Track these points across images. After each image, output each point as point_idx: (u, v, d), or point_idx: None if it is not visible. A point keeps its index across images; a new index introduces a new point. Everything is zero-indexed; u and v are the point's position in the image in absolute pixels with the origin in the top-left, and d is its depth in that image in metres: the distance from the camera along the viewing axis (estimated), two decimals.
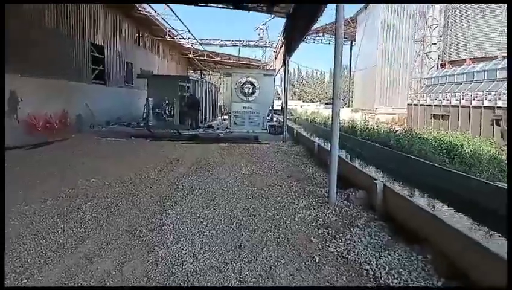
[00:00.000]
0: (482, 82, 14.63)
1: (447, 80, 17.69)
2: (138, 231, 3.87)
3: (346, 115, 24.84)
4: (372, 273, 3.02)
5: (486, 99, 13.38)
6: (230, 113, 15.42)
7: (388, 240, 3.73)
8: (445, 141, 9.26)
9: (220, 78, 28.63)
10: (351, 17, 35.98)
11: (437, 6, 24.88)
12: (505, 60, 14.13)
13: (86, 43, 14.92)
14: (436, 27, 25.02)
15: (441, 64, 21.94)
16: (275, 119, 19.95)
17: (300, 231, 4.00)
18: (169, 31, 23.21)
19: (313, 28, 17.92)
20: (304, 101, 57.92)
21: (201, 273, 2.99)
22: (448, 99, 16.07)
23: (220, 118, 22.80)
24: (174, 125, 15.20)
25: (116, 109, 17.18)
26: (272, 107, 19.65)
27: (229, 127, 15.44)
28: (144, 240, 3.65)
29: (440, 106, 16.68)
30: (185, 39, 25.64)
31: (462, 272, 2.89)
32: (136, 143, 11.36)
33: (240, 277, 2.94)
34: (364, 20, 33.51)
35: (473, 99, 14.17)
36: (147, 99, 15.94)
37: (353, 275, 3.03)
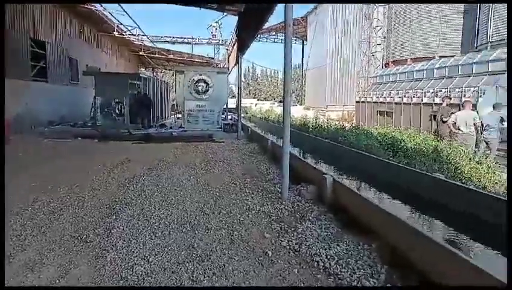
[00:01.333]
0: (421, 80, 15.71)
1: (390, 79, 18.78)
2: (85, 236, 3.69)
3: (298, 112, 25.51)
4: (322, 264, 3.14)
5: (425, 96, 14.39)
6: (183, 111, 15.14)
7: (337, 231, 3.90)
8: (390, 136, 9.83)
9: (172, 76, 28.03)
10: (301, 17, 36.92)
11: (381, 9, 26.30)
12: (441, 60, 15.31)
13: (24, 37, 13.86)
14: (380, 28, 26.44)
15: (385, 64, 23.26)
16: (229, 117, 19.94)
17: (253, 227, 4.05)
18: (117, 26, 22.26)
19: (266, 26, 18.15)
20: (258, 100, 58.38)
21: (153, 275, 2.93)
22: (391, 97, 17.07)
23: (173, 116, 22.31)
24: (124, 124, 14.63)
25: (60, 108, 16.19)
26: (227, 105, 19.63)
27: (182, 125, 15.17)
28: (91, 245, 3.49)
29: (385, 103, 17.66)
30: (134, 36, 24.74)
31: (403, 258, 3.11)
32: (83, 144, 10.79)
33: (192, 277, 2.92)
34: (314, 20, 34.54)
35: (413, 97, 15.17)
36: (95, 97, 15.17)
37: (304, 267, 3.13)
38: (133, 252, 3.35)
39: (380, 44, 26.55)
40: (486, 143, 9.11)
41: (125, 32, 23.70)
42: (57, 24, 16.94)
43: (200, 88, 14.76)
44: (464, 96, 11.87)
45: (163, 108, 20.19)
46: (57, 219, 4.20)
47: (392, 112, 16.76)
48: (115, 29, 22.39)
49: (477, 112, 9.77)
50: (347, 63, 31.32)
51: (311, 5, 34.76)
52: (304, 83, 44.26)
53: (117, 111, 15.35)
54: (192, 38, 30.32)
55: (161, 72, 41.21)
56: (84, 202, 4.85)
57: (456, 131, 9.15)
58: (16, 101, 12.67)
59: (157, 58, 30.58)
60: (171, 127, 15.74)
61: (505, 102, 9.78)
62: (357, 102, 21.92)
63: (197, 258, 3.23)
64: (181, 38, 29.93)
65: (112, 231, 3.83)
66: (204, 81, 14.79)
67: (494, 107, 9.29)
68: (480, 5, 15.40)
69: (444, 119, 10.09)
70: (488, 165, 6.61)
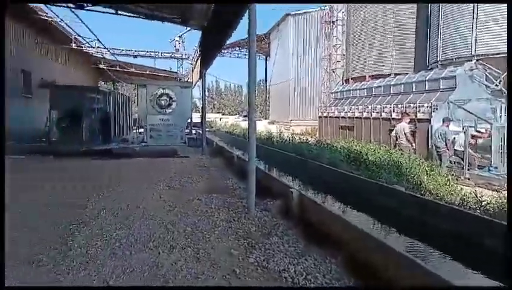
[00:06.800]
0: (379, 96, 16.46)
1: (351, 94, 19.52)
2: (37, 260, 3.41)
3: (263, 126, 25.73)
4: (291, 280, 3.11)
5: (383, 111, 15.07)
6: (146, 126, 14.74)
7: (305, 246, 3.90)
8: (352, 150, 10.14)
9: (134, 89, 27.34)
10: (264, 34, 37.69)
11: (339, 28, 27.47)
12: (397, 77, 16.16)
13: None
14: (340, 46, 27.55)
15: (345, 80, 24.20)
16: (194, 132, 19.69)
17: (220, 244, 3.95)
18: (75, 38, 21.47)
19: (229, 42, 18.29)
20: (223, 114, 58.44)
21: None
22: (352, 112, 17.71)
23: (135, 131, 21.66)
24: (82, 140, 13.97)
25: (11, 123, 15.17)
26: (191, 120, 19.38)
27: (145, 140, 14.74)
28: (44, 270, 3.22)
29: (346, 117, 18.28)
30: (94, 48, 23.96)
31: (368, 268, 3.16)
32: (36, 161, 10.15)
33: None
34: (277, 37, 35.39)
35: (373, 112, 15.84)
36: (50, 111, 14.39)
37: (273, 284, 3.07)
38: (91, 275, 3.13)
39: (339, 61, 27.61)
40: (439, 155, 9.68)
41: (83, 44, 22.91)
42: (9, 33, 16.05)
43: (163, 102, 14.47)
44: (419, 111, 12.57)
45: (124, 122, 19.56)
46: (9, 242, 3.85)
47: (353, 126, 17.36)
48: (73, 41, 21.59)
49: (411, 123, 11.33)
50: (309, 79, 32.22)
51: (273, 22, 35.68)
52: (267, 98, 44.91)
53: (74, 126, 14.62)
54: (155, 52, 29.88)
55: (122, 86, 40.13)
56: (35, 224, 4.51)
57: (397, 142, 10.60)
58: None
59: (118, 72, 29.76)
60: (132, 142, 15.25)
61: (455, 116, 10.53)
62: (319, 117, 22.51)
63: (162, 279, 3.08)
64: (143, 51, 29.37)
65: (68, 253, 3.56)
66: (168, 95, 14.53)
67: (443, 121, 9.95)
68: (430, 27, 16.52)
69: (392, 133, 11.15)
70: (446, 177, 6.98)
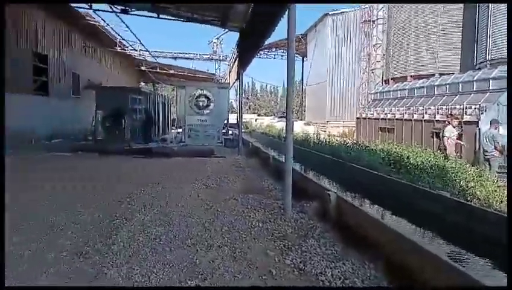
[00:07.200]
0: (422, 97, 15.78)
1: (391, 95, 18.87)
2: (84, 252, 3.60)
3: (299, 128, 25.53)
4: (328, 283, 3.06)
5: (426, 113, 14.44)
6: (184, 126, 15.15)
7: (342, 249, 3.81)
8: (392, 153, 9.80)
9: (173, 90, 28.18)
10: (301, 34, 37.41)
11: (380, 27, 26.67)
12: (442, 77, 15.42)
13: (27, 52, 13.97)
14: (379, 46, 26.74)
15: (385, 81, 23.43)
16: (230, 132, 19.95)
17: (256, 244, 3.96)
18: (119, 41, 22.51)
19: (266, 43, 18.31)
20: (258, 115, 58.68)
21: None
22: (393, 114, 17.12)
23: (173, 131, 22.32)
24: (125, 138, 14.61)
25: (61, 122, 16.19)
26: (228, 120, 19.67)
27: (183, 140, 15.14)
28: (90, 262, 3.39)
29: (386, 119, 17.70)
30: (136, 51, 25.00)
31: (409, 275, 3.03)
32: (82, 158, 10.73)
33: None
34: (314, 38, 35.00)
35: (415, 114, 15.22)
36: (96, 111, 15.20)
37: (310, 286, 3.03)
38: (133, 269, 3.25)
39: (379, 61, 26.80)
40: (487, 160, 9.10)
41: (127, 47, 23.95)
42: (60, 38, 17.11)
43: (201, 103, 14.81)
44: (465, 113, 11.90)
45: (164, 122, 20.23)
46: (55, 233, 4.11)
47: (393, 128, 16.78)
48: (117, 44, 22.64)
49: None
50: (347, 80, 31.58)
51: (311, 23, 35.32)
52: (303, 99, 44.51)
53: (118, 125, 15.34)
54: (194, 54, 30.66)
55: (162, 87, 41.50)
56: (80, 217, 4.76)
57: (444, 145, 10.27)
58: (17, 115, 12.64)
59: (158, 73, 30.83)
60: (171, 142, 15.71)
61: (505, 119, 9.85)
62: (357, 118, 21.97)
63: (200, 276, 3.13)
64: (182, 53, 30.21)
65: (112, 247, 3.73)
66: (206, 96, 14.85)
67: (491, 123, 9.33)
68: (478, 26, 15.60)
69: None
70: (495, 183, 6.56)
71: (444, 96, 14.30)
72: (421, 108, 14.93)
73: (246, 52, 12.60)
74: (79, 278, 3.08)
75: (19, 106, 12.85)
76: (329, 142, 14.41)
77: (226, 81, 26.04)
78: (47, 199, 5.62)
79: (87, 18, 17.50)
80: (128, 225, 4.48)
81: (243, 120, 20.07)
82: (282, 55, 42.32)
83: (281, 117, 47.86)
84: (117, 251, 3.65)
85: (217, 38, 32.12)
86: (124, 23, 17.76)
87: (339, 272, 3.23)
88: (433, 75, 17.22)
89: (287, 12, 5.12)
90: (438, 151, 10.22)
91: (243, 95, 18.38)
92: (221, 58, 32.14)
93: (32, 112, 13.59)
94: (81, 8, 15.18)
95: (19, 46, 13.36)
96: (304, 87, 44.38)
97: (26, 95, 13.75)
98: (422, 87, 16.12)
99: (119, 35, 21.32)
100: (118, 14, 13.26)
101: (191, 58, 30.91)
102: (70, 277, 3.11)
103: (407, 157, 8.88)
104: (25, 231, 4.16)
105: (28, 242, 3.82)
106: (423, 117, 14.54)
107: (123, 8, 12.31)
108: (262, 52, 42.55)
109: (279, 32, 9.23)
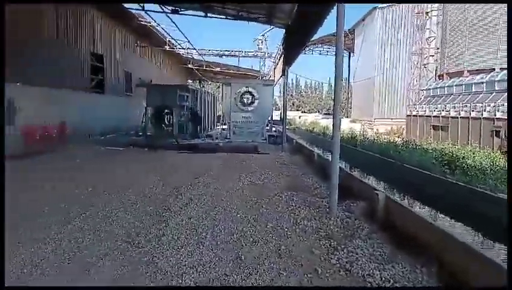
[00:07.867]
0: (480, 94, 14.69)
1: (445, 92, 17.78)
2: (136, 242, 3.79)
3: (345, 125, 24.87)
4: (377, 286, 2.96)
5: (485, 110, 13.43)
6: (229, 122, 15.38)
7: (391, 251, 3.67)
8: (446, 152, 9.22)
9: (218, 87, 28.71)
10: (349, 29, 36.33)
11: (434, 19, 25.18)
12: (503, 72, 14.23)
13: (86, 52, 14.95)
14: (433, 39, 25.26)
15: (439, 76, 22.08)
16: (274, 129, 19.94)
17: (301, 242, 3.93)
18: (168, 41, 23.34)
19: (312, 39, 18.00)
20: (302, 112, 58.11)
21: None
22: (447, 111, 16.12)
23: (219, 127, 22.77)
24: (172, 134, 15.14)
25: (115, 118, 17.15)
26: (271, 117, 19.69)
27: (228, 136, 15.39)
28: (142, 252, 3.57)
29: (439, 117, 16.72)
30: (184, 49, 25.78)
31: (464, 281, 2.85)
32: (133, 152, 11.31)
33: None
34: (362, 32, 33.85)
35: (472, 111, 14.21)
36: (146, 108, 15.92)
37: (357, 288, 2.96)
38: (182, 260, 3.37)
39: (433, 55, 25.33)
40: None
41: (175, 46, 24.77)
42: (114, 38, 18.10)
43: (245, 100, 14.93)
44: None
45: (209, 119, 20.69)
46: (110, 221, 4.37)
47: (447, 127, 15.81)
48: (166, 43, 23.49)
49: None
50: (396, 76, 30.16)
51: (359, 17, 34.16)
52: (349, 96, 43.31)
53: (166, 121, 15.95)
54: (239, 51, 30.94)
55: (208, 84, 42.49)
56: (133, 209, 5.02)
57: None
58: (77, 111, 13.58)
59: (205, 71, 31.56)
60: (216, 138, 16.03)
61: None
62: (407, 116, 20.99)
63: (245, 271, 3.17)
64: (228, 51, 30.63)
65: (162, 238, 3.90)
66: (251, 93, 14.95)
67: None
68: None
69: None
70: None
71: (505, 92, 13.20)
72: (479, 105, 13.91)
73: (291, 49, 12.51)
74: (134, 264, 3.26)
75: (79, 103, 13.80)
76: (377, 139, 13.88)
77: (271, 78, 26.02)
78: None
79: (140, 19, 18.33)
80: (177, 218, 4.65)
81: (287, 117, 19.93)
82: (328, 51, 41.44)
83: (326, 114, 47.06)
84: (166, 242, 3.81)
85: (262, 35, 32.16)
86: (174, 23, 18.40)
87: (388, 274, 3.12)
88: (493, 69, 15.94)
89: (335, 8, 5.00)
90: (499, 151, 9.46)
91: (287, 92, 18.25)
92: (266, 55, 32.15)
93: (90, 108, 14.53)
94: (133, 9, 15.92)
95: (78, 46, 14.31)
96: (350, 84, 43.13)
97: (85, 93, 14.72)
98: (482, 82, 15.00)
99: (168, 34, 22.14)
100: (168, 14, 13.71)
101: (237, 56, 31.22)
102: (124, 264, 3.30)
103: (463, 158, 8.32)
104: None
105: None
106: (482, 115, 13.54)
107: (173, 8, 12.74)
108: (307, 48, 41.96)
109: (325, 27, 9.05)
